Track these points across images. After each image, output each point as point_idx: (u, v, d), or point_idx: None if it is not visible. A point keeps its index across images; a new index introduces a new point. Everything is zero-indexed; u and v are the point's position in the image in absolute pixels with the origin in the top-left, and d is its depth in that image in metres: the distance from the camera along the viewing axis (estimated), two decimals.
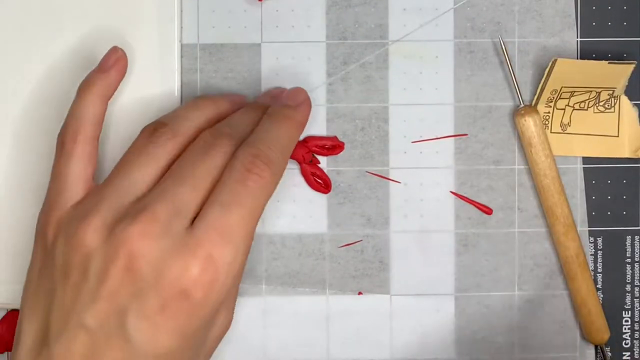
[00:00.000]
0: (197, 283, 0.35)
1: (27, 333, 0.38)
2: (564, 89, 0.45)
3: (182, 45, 0.45)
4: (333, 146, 0.45)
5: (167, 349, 0.36)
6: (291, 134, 0.41)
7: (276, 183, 0.39)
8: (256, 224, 0.38)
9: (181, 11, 0.45)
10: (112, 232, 0.36)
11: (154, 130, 0.39)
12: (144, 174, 0.38)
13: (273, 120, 0.41)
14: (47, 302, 0.37)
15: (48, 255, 0.38)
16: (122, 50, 0.42)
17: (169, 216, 0.36)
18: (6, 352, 0.45)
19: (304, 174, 0.45)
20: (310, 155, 0.45)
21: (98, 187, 0.39)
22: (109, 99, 0.42)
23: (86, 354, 0.36)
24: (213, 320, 0.38)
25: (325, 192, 0.45)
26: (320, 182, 0.45)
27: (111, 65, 0.42)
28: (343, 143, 0.45)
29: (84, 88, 0.41)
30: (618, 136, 0.45)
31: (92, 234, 0.36)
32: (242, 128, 0.40)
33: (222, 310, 0.39)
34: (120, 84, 0.42)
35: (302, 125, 0.43)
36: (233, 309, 0.40)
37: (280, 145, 0.39)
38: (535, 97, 0.45)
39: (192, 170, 0.38)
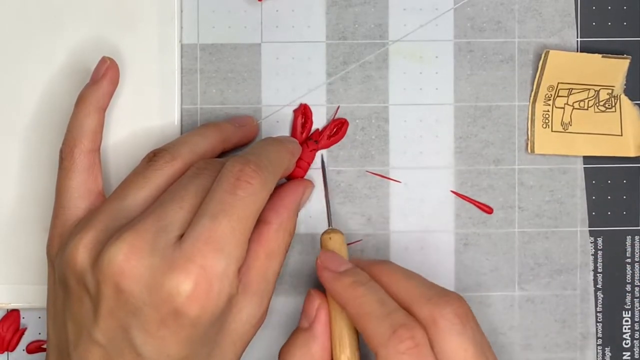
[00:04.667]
0: (190, 299, 0.35)
1: (53, 341, 0.39)
2: (560, 86, 0.45)
3: (182, 45, 0.45)
4: (337, 131, 0.45)
5: (177, 356, 0.36)
6: (281, 155, 0.41)
7: (267, 192, 0.38)
8: (248, 232, 0.37)
9: (181, 11, 0.45)
10: (101, 253, 0.36)
11: (153, 155, 0.40)
12: (138, 196, 0.39)
13: (264, 141, 0.42)
14: (62, 312, 0.38)
15: (55, 270, 0.39)
16: (111, 59, 0.43)
17: (155, 233, 0.36)
18: (6, 352, 0.45)
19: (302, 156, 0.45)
20: (313, 155, 0.45)
21: (97, 207, 0.40)
22: (105, 109, 0.42)
23: None
24: (224, 318, 0.38)
25: (298, 175, 0.45)
26: (299, 168, 0.45)
27: (102, 76, 0.42)
28: (345, 120, 0.45)
29: (78, 102, 0.42)
30: (622, 135, 0.45)
31: (82, 253, 0.37)
32: None
33: (245, 306, 0.39)
34: (115, 91, 0.43)
35: (293, 154, 0.43)
36: (263, 301, 0.40)
37: (269, 157, 0.40)
38: (532, 92, 0.45)
39: (180, 191, 0.38)
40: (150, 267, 0.35)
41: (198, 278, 0.35)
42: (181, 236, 0.36)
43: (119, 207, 0.38)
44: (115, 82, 0.43)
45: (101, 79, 0.42)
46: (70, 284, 0.37)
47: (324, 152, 0.45)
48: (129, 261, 0.35)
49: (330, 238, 0.41)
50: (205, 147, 0.41)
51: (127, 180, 0.40)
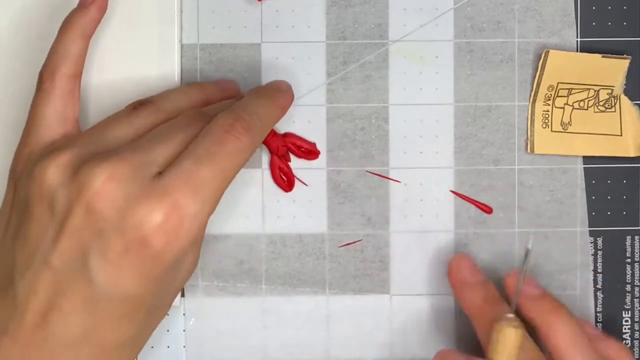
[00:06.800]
0: (159, 230, 0.35)
1: None
2: (560, 86, 0.45)
3: (182, 45, 0.45)
4: (309, 151, 0.45)
5: (131, 291, 0.36)
6: (272, 111, 0.41)
7: (252, 151, 0.38)
8: (226, 186, 0.37)
9: (181, 11, 0.45)
10: (79, 170, 0.35)
11: (139, 104, 0.40)
12: (118, 133, 0.38)
13: (255, 95, 0.41)
14: (12, 238, 0.37)
15: (16, 191, 0.38)
16: None
17: (138, 164, 0.36)
18: None
19: (271, 165, 0.45)
20: (284, 150, 0.45)
21: (74, 134, 0.39)
22: (90, 37, 0.41)
23: (50, 293, 0.35)
24: (179, 266, 0.38)
25: (286, 191, 0.45)
26: (283, 179, 0.45)
27: (91, 2, 0.41)
28: (319, 152, 0.45)
29: (63, 26, 0.40)
30: (621, 135, 0.45)
31: (55, 171, 0.36)
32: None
33: (189, 254, 0.38)
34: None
35: (284, 108, 0.42)
36: (199, 248, 0.39)
37: (260, 116, 0.39)
38: (532, 92, 0.45)
39: (169, 134, 0.37)
40: (126, 193, 0.35)
41: (170, 211, 0.35)
42: (161, 173, 0.36)
43: (98, 138, 0.37)
44: (103, 10, 0.41)
45: (89, 5, 0.41)
46: (31, 203, 0.36)
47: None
48: (108, 183, 0.35)
49: (515, 328, 0.39)
50: (188, 106, 0.41)
51: (108, 118, 0.39)
